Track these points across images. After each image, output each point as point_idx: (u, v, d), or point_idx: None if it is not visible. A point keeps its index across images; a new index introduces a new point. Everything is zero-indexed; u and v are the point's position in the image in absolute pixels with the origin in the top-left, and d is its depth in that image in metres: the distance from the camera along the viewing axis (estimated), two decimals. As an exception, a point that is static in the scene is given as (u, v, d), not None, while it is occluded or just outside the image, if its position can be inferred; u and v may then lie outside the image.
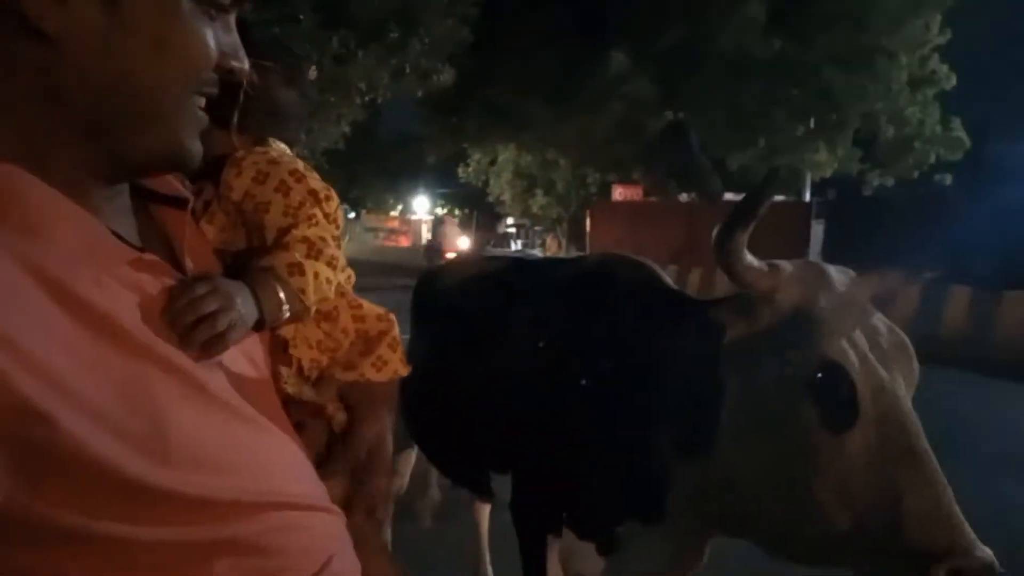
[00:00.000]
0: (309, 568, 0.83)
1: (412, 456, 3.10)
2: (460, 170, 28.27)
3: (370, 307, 1.40)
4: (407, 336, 2.27)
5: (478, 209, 36.62)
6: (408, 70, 12.35)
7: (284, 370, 1.21)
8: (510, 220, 36.69)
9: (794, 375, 1.39)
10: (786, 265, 1.51)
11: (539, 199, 25.96)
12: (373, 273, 16.46)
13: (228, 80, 0.80)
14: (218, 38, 0.77)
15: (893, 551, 1.30)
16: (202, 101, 0.78)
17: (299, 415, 1.15)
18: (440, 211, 46.78)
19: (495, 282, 2.40)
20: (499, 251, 22.45)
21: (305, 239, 1.18)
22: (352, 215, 42.28)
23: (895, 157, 17.52)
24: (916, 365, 1.46)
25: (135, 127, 0.73)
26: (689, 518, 1.66)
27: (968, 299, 11.21)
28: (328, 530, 0.90)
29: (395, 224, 45.87)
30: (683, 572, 1.80)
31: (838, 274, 1.54)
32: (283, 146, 1.41)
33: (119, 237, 0.75)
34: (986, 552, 1.25)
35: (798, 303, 1.46)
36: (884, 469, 1.32)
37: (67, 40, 0.67)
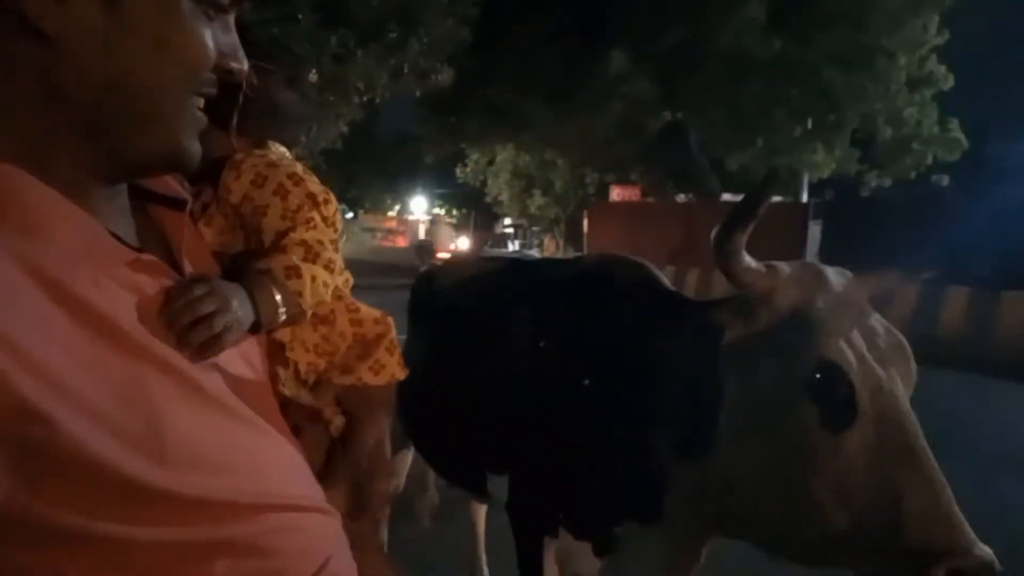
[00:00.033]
0: (306, 569, 0.83)
1: (409, 456, 3.09)
2: (458, 170, 28.32)
3: (367, 310, 1.40)
4: (404, 336, 2.27)
5: (476, 209, 36.67)
6: (407, 70, 12.36)
7: (282, 372, 1.21)
8: (508, 220, 36.75)
9: (793, 375, 1.39)
10: (784, 266, 1.51)
11: (537, 199, 26.01)
12: (370, 273, 16.56)
13: (227, 81, 0.80)
14: (217, 38, 0.76)
15: (892, 551, 1.30)
16: (201, 102, 0.78)
17: (297, 418, 1.15)
18: (438, 211, 46.85)
19: (492, 283, 2.39)
20: (496, 251, 22.53)
21: (303, 242, 1.18)
22: (350, 215, 42.30)
23: (893, 158, 17.55)
24: (914, 365, 1.46)
25: (135, 127, 0.73)
26: (687, 519, 1.66)
27: (966, 300, 11.24)
28: (325, 531, 0.90)
29: (393, 224, 45.90)
30: (681, 573, 1.80)
31: (835, 275, 1.54)
32: (282, 149, 1.41)
33: (117, 238, 0.75)
34: (985, 551, 1.25)
35: (796, 304, 1.46)
36: (883, 469, 1.32)
37: (67, 40, 0.67)
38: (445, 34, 12.50)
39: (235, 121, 1.28)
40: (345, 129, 13.39)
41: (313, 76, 1.52)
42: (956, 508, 1.29)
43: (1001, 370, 8.94)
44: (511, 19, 16.76)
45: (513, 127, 19.90)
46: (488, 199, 29.21)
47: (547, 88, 17.54)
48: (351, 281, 1.40)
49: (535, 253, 23.87)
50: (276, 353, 1.23)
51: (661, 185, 20.60)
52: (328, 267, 1.19)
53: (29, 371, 0.60)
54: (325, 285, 1.18)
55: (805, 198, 18.24)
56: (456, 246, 25.02)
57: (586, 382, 1.78)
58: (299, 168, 1.32)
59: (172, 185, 0.90)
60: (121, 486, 0.65)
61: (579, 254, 16.22)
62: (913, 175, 17.96)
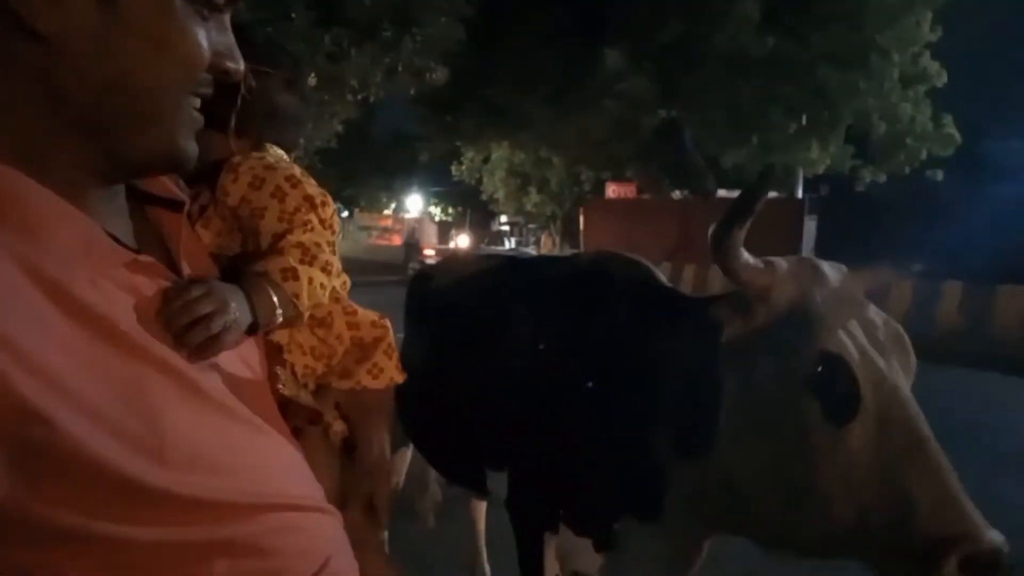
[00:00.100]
0: (306, 569, 0.83)
1: (408, 455, 3.10)
2: (453, 168, 28.26)
3: (364, 313, 1.40)
4: (401, 335, 2.27)
5: (472, 207, 36.60)
6: (401, 69, 12.32)
7: (280, 373, 1.21)
8: (504, 218, 36.70)
9: (794, 370, 1.39)
10: (781, 262, 1.51)
11: (533, 197, 25.98)
12: (365, 271, 16.60)
13: (223, 81, 0.80)
14: (212, 38, 0.76)
15: (902, 541, 1.29)
16: (197, 102, 0.78)
17: (297, 419, 1.15)
18: (432, 209, 46.78)
19: (489, 281, 2.40)
20: (493, 249, 22.53)
21: (300, 244, 1.19)
22: (345, 214, 42.21)
23: (887, 153, 17.54)
24: (913, 356, 1.47)
25: (132, 127, 0.73)
26: (687, 515, 1.66)
27: (961, 294, 11.28)
28: (325, 531, 0.90)
29: (388, 222, 45.81)
30: (682, 569, 1.80)
31: (831, 270, 1.54)
32: (280, 151, 1.41)
33: (115, 239, 0.75)
34: (996, 535, 1.24)
35: (794, 299, 1.46)
36: (888, 459, 1.32)
37: (64, 40, 0.67)
38: (440, 33, 12.47)
39: (233, 123, 1.28)
40: (340, 128, 13.37)
41: (313, 80, 1.52)
42: (964, 494, 1.28)
43: (997, 364, 8.97)
44: (509, 18, 16.74)
45: (510, 126, 19.87)
46: (484, 197, 29.17)
47: (545, 87, 17.52)
48: (348, 284, 1.40)
49: (531, 251, 23.85)
50: (274, 354, 1.23)
51: (657, 182, 20.59)
52: (325, 269, 1.20)
53: (29, 371, 0.60)
54: (322, 287, 1.18)
55: (800, 194, 18.25)
56: (456, 244, 25.07)
57: (588, 382, 1.78)
58: (297, 171, 1.32)
59: (170, 187, 0.90)
60: (121, 486, 0.66)
61: (576, 251, 16.21)
62: (907, 171, 17.96)
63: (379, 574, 1.15)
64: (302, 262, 1.15)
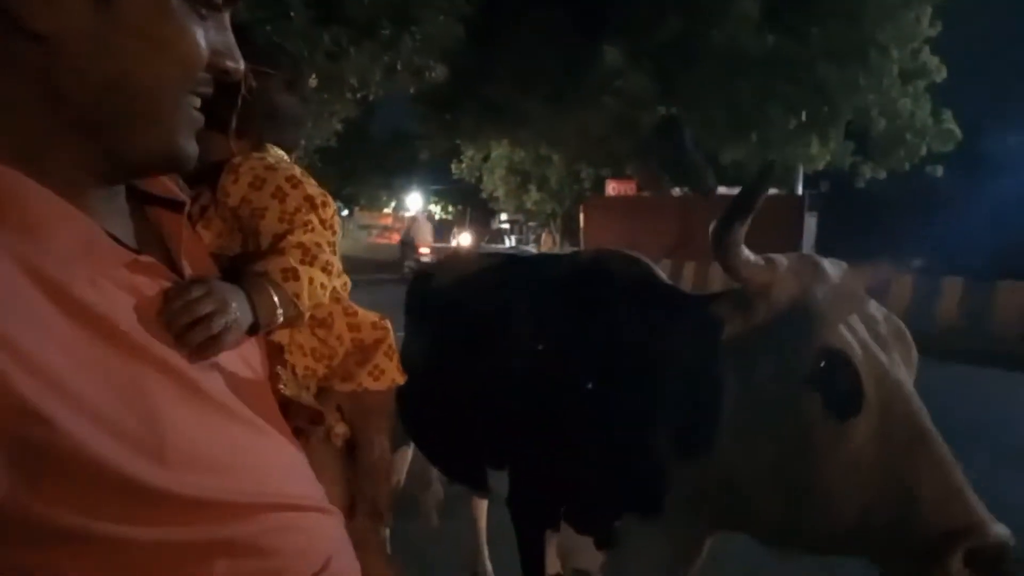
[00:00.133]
0: (307, 569, 0.83)
1: (409, 453, 3.10)
2: (453, 166, 28.25)
3: (365, 314, 1.40)
4: (401, 333, 2.27)
5: (472, 205, 36.60)
6: (400, 67, 12.32)
7: (282, 373, 1.21)
8: (504, 216, 36.70)
9: (796, 366, 1.39)
10: (781, 259, 1.51)
11: (533, 195, 25.97)
12: (365, 270, 16.65)
13: (223, 81, 0.79)
14: (210, 38, 0.76)
15: (907, 536, 1.29)
16: (197, 101, 0.78)
17: (298, 419, 1.15)
18: (432, 207, 46.80)
19: (490, 279, 2.39)
20: (493, 247, 22.60)
21: (300, 245, 1.19)
22: (345, 212, 42.23)
23: (887, 149, 17.51)
24: (914, 350, 1.47)
25: (131, 127, 0.73)
26: (688, 514, 1.66)
27: (961, 291, 11.27)
28: (326, 531, 0.90)
29: (388, 221, 45.83)
30: (683, 567, 1.80)
31: (831, 266, 1.54)
32: (280, 152, 1.41)
33: (116, 239, 0.75)
34: (1002, 529, 1.24)
35: (795, 295, 1.46)
36: (892, 454, 1.32)
37: (61, 40, 0.67)
38: (439, 31, 12.47)
39: (234, 124, 1.28)
40: (339, 126, 13.38)
41: (313, 81, 1.52)
42: (969, 488, 1.28)
43: (997, 360, 8.97)
44: (508, 16, 16.73)
45: (509, 123, 19.86)
46: (484, 195, 29.16)
47: (544, 85, 17.51)
48: (349, 284, 1.40)
49: (531, 249, 23.87)
50: (275, 355, 1.23)
51: (657, 179, 20.58)
52: (326, 269, 1.20)
53: (29, 371, 0.60)
54: (323, 287, 1.18)
55: (800, 190, 18.25)
56: (458, 242, 25.20)
57: (588, 381, 1.78)
58: (297, 171, 1.32)
59: (170, 187, 0.90)
60: (120, 486, 0.66)
61: (576, 249, 16.19)
62: (907, 166, 17.95)
63: (380, 574, 1.15)
64: (303, 262, 1.15)
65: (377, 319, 1.42)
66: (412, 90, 13.89)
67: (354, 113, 13.51)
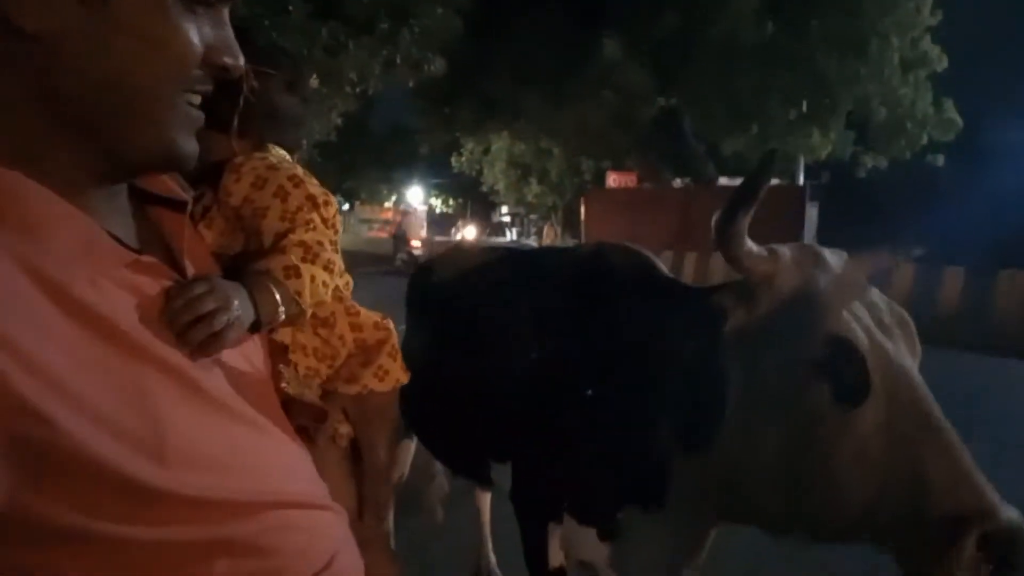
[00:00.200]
0: (309, 568, 0.83)
1: (412, 447, 3.11)
2: (453, 160, 28.21)
3: (367, 314, 1.40)
4: (402, 328, 2.27)
5: (472, 199, 36.58)
6: (399, 61, 12.28)
7: (285, 371, 1.22)
8: (505, 209, 36.68)
9: (801, 355, 1.38)
10: (784, 249, 1.51)
11: (533, 188, 25.95)
12: (363, 263, 16.77)
13: (223, 78, 0.79)
14: (206, 34, 0.75)
15: (918, 521, 1.28)
16: (196, 99, 0.77)
17: (301, 418, 1.15)
18: (434, 201, 46.80)
19: (491, 273, 2.39)
20: (494, 241, 22.62)
21: (302, 243, 1.19)
22: (346, 207, 42.23)
23: (888, 139, 17.48)
24: (917, 338, 1.46)
25: (128, 126, 0.73)
26: (692, 505, 1.66)
27: (962, 280, 11.26)
28: (329, 529, 0.90)
29: (389, 215, 45.81)
30: (687, 557, 1.80)
31: (832, 256, 1.54)
32: (282, 152, 1.42)
33: (117, 240, 0.75)
34: (1013, 512, 1.24)
35: (798, 285, 1.46)
36: (900, 440, 1.31)
37: (54, 40, 0.67)
38: (437, 25, 12.42)
39: (236, 124, 1.29)
40: (339, 121, 13.35)
41: (314, 82, 1.53)
42: (978, 472, 1.27)
43: (999, 349, 8.97)
44: (506, 9, 16.68)
45: (508, 117, 19.85)
46: (485, 188, 29.13)
47: (542, 78, 17.47)
48: (351, 283, 1.40)
49: (532, 242, 23.88)
50: (278, 354, 1.23)
51: (657, 171, 20.56)
52: (327, 268, 1.20)
53: (29, 372, 0.61)
54: (324, 285, 1.18)
55: (801, 181, 18.22)
56: (463, 235, 25.39)
57: (590, 375, 1.78)
58: (299, 170, 1.33)
59: (172, 187, 0.90)
60: (121, 486, 0.66)
61: (577, 242, 16.22)
62: (908, 156, 17.91)
63: (383, 572, 1.15)
64: (304, 260, 1.16)
65: (379, 319, 1.42)
66: (411, 84, 13.85)
67: (353, 107, 13.47)
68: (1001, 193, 11.89)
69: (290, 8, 10.35)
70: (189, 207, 0.90)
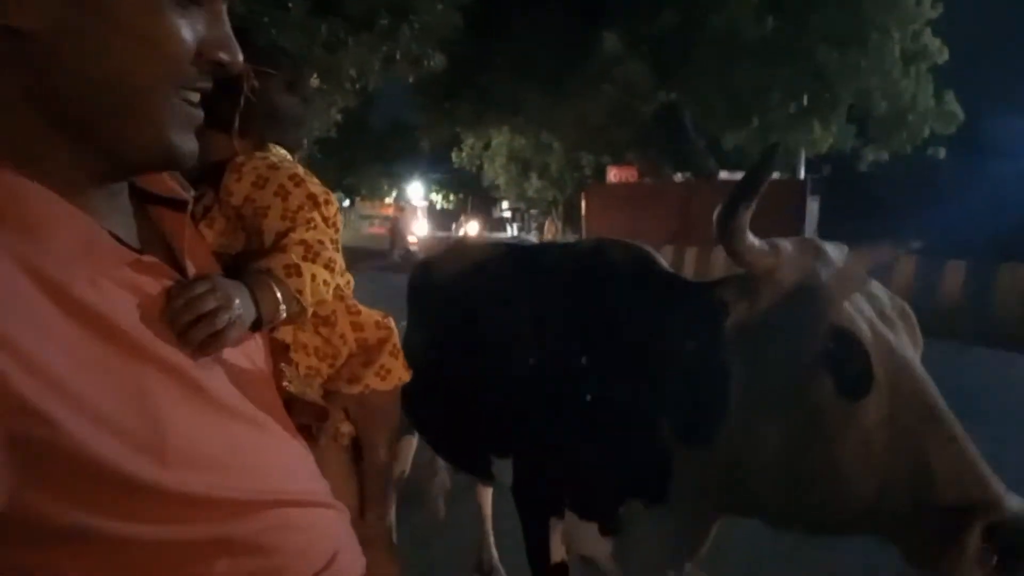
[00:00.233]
0: (310, 566, 0.83)
1: (414, 442, 3.11)
2: (454, 155, 28.18)
3: (368, 313, 1.40)
4: (403, 324, 2.27)
5: (473, 194, 36.55)
6: (399, 56, 12.27)
7: (287, 369, 1.22)
8: (505, 205, 36.65)
9: (804, 348, 1.38)
10: (785, 243, 1.51)
11: (534, 183, 25.90)
12: (364, 259, 16.86)
13: (220, 74, 0.78)
14: (200, 31, 0.75)
15: (923, 513, 1.28)
16: (194, 97, 0.77)
17: (303, 416, 1.16)
18: (435, 196, 46.79)
19: (491, 269, 2.39)
20: (495, 236, 22.67)
21: (303, 242, 1.19)
22: (347, 203, 42.23)
23: (889, 132, 17.46)
24: (918, 329, 1.46)
25: (122, 125, 0.72)
26: (694, 499, 1.66)
27: (964, 272, 11.25)
28: (330, 527, 0.90)
29: (389, 211, 45.79)
30: (689, 552, 1.80)
31: (833, 249, 1.54)
32: (283, 152, 1.42)
33: (118, 239, 0.75)
34: (1018, 502, 1.23)
35: (800, 279, 1.46)
36: (904, 431, 1.31)
37: (49, 39, 0.67)
38: (437, 20, 12.40)
39: (237, 124, 1.30)
40: (339, 117, 13.34)
41: (315, 81, 1.54)
42: (983, 463, 1.27)
43: (1000, 342, 8.96)
44: (506, 4, 16.66)
45: (508, 112, 19.84)
46: (485, 184, 29.10)
47: (542, 73, 17.46)
48: (352, 282, 1.40)
49: (533, 238, 23.93)
50: (279, 353, 1.23)
51: (658, 166, 20.54)
52: (328, 266, 1.20)
53: (29, 371, 0.61)
54: (325, 284, 1.19)
55: (802, 174, 18.20)
56: (466, 231, 25.59)
57: (591, 371, 1.78)
58: (300, 170, 1.33)
59: (173, 187, 0.90)
60: (122, 484, 0.66)
61: (578, 238, 16.23)
62: (910, 149, 17.88)
63: (385, 570, 1.15)
64: (305, 259, 1.16)
65: (380, 317, 1.42)
66: (411, 80, 13.84)
67: (353, 103, 13.46)
68: (1003, 186, 11.86)
69: (289, 5, 10.34)
70: (190, 206, 0.90)
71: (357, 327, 1.37)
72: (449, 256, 2.74)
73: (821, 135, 16.66)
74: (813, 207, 15.23)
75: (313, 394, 1.28)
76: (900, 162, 18.22)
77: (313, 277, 1.14)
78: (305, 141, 1.55)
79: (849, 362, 1.34)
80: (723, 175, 18.93)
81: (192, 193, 0.93)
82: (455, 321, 2.36)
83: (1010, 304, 10.41)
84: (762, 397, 1.45)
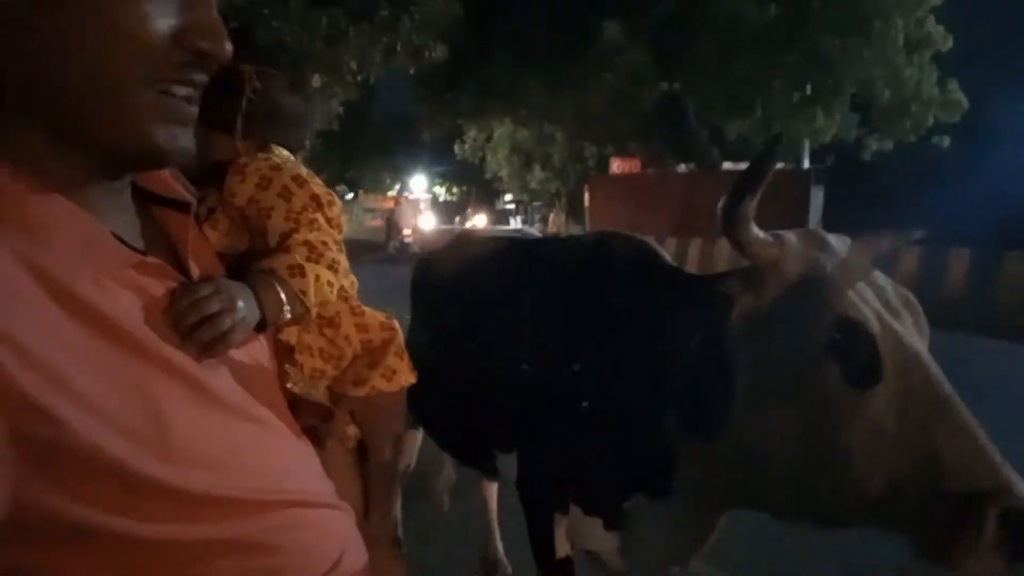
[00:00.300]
0: (315, 566, 0.83)
1: (419, 437, 3.11)
2: (456, 147, 28.18)
3: (372, 314, 1.41)
4: (406, 317, 2.26)
5: (476, 186, 36.56)
6: (400, 48, 12.26)
7: (292, 371, 1.22)
8: (508, 196, 36.64)
9: (812, 339, 1.37)
10: (789, 234, 1.50)
11: (537, 174, 25.90)
12: (361, 251, 16.99)
13: (205, 64, 0.74)
14: (174, 16, 0.71)
15: (934, 502, 1.27)
16: (179, 90, 0.73)
17: (308, 417, 1.16)
18: (438, 189, 46.83)
19: (494, 263, 2.39)
20: (498, 229, 22.74)
21: (306, 243, 1.20)
22: (350, 196, 42.31)
23: (893, 121, 17.41)
24: (924, 318, 1.45)
25: (97, 122, 0.70)
26: (699, 493, 1.65)
27: (968, 262, 11.22)
28: (335, 527, 0.90)
29: (391, 204, 45.81)
30: (694, 546, 1.80)
31: (837, 240, 1.53)
32: (286, 153, 1.42)
33: (121, 240, 0.75)
34: None
35: (805, 270, 1.45)
36: (913, 420, 1.30)
37: (31, 35, 0.65)
38: (437, 11, 12.39)
39: (239, 125, 1.31)
40: (340, 110, 13.34)
41: (317, 82, 1.54)
42: (994, 450, 1.26)
43: (1005, 331, 8.94)
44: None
45: (509, 102, 19.83)
46: (488, 176, 29.11)
47: (543, 62, 17.43)
48: (356, 283, 1.40)
49: (535, 231, 23.96)
50: (284, 354, 1.24)
51: (661, 157, 20.51)
52: (332, 267, 1.21)
53: (31, 368, 0.60)
54: (329, 284, 1.19)
55: (806, 164, 18.15)
56: (473, 224, 25.82)
57: (594, 366, 1.78)
58: (303, 171, 1.34)
59: (176, 188, 0.89)
60: (127, 481, 0.66)
61: (581, 230, 16.21)
62: (914, 137, 17.83)
63: (390, 567, 1.15)
64: (308, 260, 1.16)
65: (385, 318, 1.42)
66: (412, 71, 13.84)
67: (354, 96, 13.47)
68: (1007, 174, 11.81)
69: (289, -3, 10.33)
70: (194, 208, 0.90)
71: (361, 328, 1.38)
72: (451, 251, 2.74)
73: (824, 124, 16.61)
74: (817, 197, 15.19)
75: (318, 395, 1.28)
76: (904, 151, 18.16)
77: (317, 278, 1.15)
78: (308, 141, 1.56)
79: (856, 352, 1.34)
80: (727, 165, 18.89)
81: (196, 194, 0.92)
82: (459, 315, 2.36)
83: (1014, 293, 10.38)
84: (769, 389, 1.44)
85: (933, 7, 16.43)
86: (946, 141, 18.19)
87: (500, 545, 3.30)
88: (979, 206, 10.84)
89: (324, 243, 1.22)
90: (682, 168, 20.47)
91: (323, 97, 12.09)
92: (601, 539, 1.83)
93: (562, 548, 1.96)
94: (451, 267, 2.59)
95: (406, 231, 23.31)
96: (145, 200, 0.86)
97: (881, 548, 1.41)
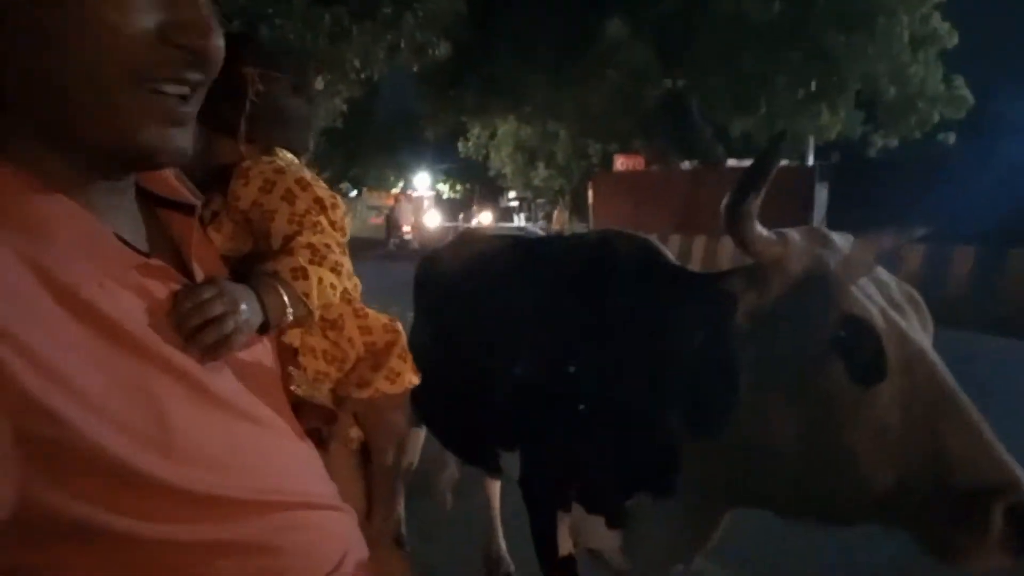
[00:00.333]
0: (317, 567, 0.83)
1: (422, 434, 3.11)
2: (460, 145, 28.19)
3: (376, 316, 1.41)
4: (408, 314, 2.26)
5: (480, 184, 36.57)
6: (403, 45, 12.26)
7: (295, 373, 1.22)
8: (512, 194, 36.65)
9: (816, 336, 1.37)
10: (792, 232, 1.50)
11: (540, 172, 25.91)
12: (362, 248, 17.05)
13: (196, 61, 0.72)
14: (159, 12, 0.69)
15: (940, 498, 1.27)
16: (171, 88, 0.72)
17: (312, 419, 1.15)
18: (442, 186, 46.87)
19: (497, 262, 2.38)
20: (502, 227, 22.77)
21: (309, 245, 1.20)
22: (354, 193, 42.37)
23: (898, 117, 17.37)
24: (928, 315, 1.45)
25: (85, 122, 0.69)
26: (703, 491, 1.65)
27: (973, 258, 11.19)
28: (338, 529, 0.90)
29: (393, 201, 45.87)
30: (697, 545, 1.80)
31: (840, 238, 1.53)
32: (290, 156, 1.43)
33: (125, 242, 0.75)
34: None
35: (808, 267, 1.45)
36: (918, 417, 1.30)
37: (17, 36, 0.65)
38: (440, 8, 12.39)
39: (243, 128, 1.31)
40: (344, 107, 13.36)
41: (320, 83, 1.54)
42: (999, 445, 1.26)
43: (1009, 328, 8.92)
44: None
45: (512, 99, 19.83)
46: (492, 173, 29.12)
47: (545, 58, 17.42)
48: (360, 286, 1.40)
49: (538, 229, 23.95)
50: (287, 357, 1.24)
51: (664, 154, 20.50)
52: (335, 269, 1.21)
53: (34, 368, 0.61)
54: (332, 287, 1.19)
55: (811, 161, 18.11)
56: (479, 221, 25.89)
57: (598, 364, 1.77)
58: (307, 174, 1.34)
59: (180, 190, 0.89)
60: (129, 480, 0.66)
61: (585, 227, 16.20)
62: (919, 134, 17.79)
63: (392, 567, 1.15)
64: (312, 262, 1.16)
65: (388, 321, 1.42)
66: (415, 68, 13.84)
67: (358, 93, 13.49)
68: (1013, 171, 11.76)
69: (293, -5, 10.34)
70: (198, 210, 0.90)
71: (365, 330, 1.38)
72: (454, 249, 2.73)
73: (829, 121, 16.58)
74: (822, 194, 15.14)
75: (321, 397, 1.28)
76: (909, 148, 18.12)
77: (320, 280, 1.15)
78: (311, 144, 1.56)
79: (860, 349, 1.33)
80: (730, 163, 18.85)
81: (200, 197, 0.92)
82: (462, 313, 2.36)
83: (1019, 290, 10.35)
84: (773, 387, 1.43)
85: (938, 3, 16.40)
86: (951, 138, 18.15)
87: (503, 543, 3.30)
88: (984, 203, 10.80)
89: (327, 246, 1.22)
90: (686, 165, 20.43)
91: (327, 95, 12.10)
92: (604, 537, 1.83)
93: (565, 546, 1.96)
94: (454, 265, 2.59)
95: (405, 228, 23.52)
96: (149, 202, 0.86)
97: (885, 546, 1.40)
